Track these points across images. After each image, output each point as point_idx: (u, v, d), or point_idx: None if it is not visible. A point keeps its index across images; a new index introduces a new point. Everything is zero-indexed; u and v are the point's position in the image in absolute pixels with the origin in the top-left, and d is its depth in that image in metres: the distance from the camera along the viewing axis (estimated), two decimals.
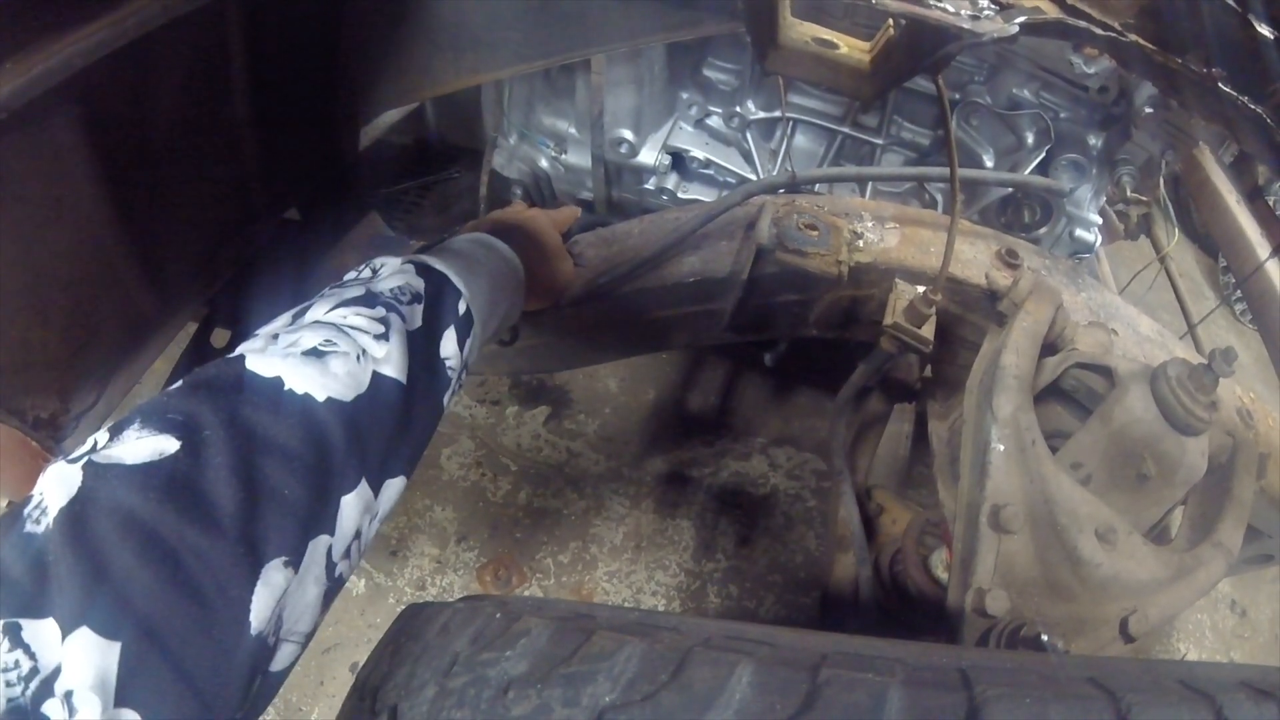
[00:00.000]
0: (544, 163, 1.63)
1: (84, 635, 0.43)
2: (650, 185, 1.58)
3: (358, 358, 0.61)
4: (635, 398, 2.23)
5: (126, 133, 1.01)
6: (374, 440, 0.61)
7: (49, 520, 0.46)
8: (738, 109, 1.46)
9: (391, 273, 0.72)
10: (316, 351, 0.60)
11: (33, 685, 0.42)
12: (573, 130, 1.56)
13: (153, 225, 1.14)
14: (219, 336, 1.57)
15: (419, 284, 0.71)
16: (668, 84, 1.46)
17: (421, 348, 0.67)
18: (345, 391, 0.59)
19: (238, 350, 0.60)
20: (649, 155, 1.51)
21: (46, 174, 0.94)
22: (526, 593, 1.92)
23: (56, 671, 0.42)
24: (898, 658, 0.56)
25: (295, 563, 0.54)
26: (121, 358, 1.20)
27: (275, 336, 0.62)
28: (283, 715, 1.72)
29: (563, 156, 1.60)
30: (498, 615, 0.77)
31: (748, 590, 1.94)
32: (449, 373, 0.71)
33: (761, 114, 1.46)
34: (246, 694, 0.51)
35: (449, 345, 0.71)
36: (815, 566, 1.96)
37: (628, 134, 1.47)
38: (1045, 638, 0.83)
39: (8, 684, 0.41)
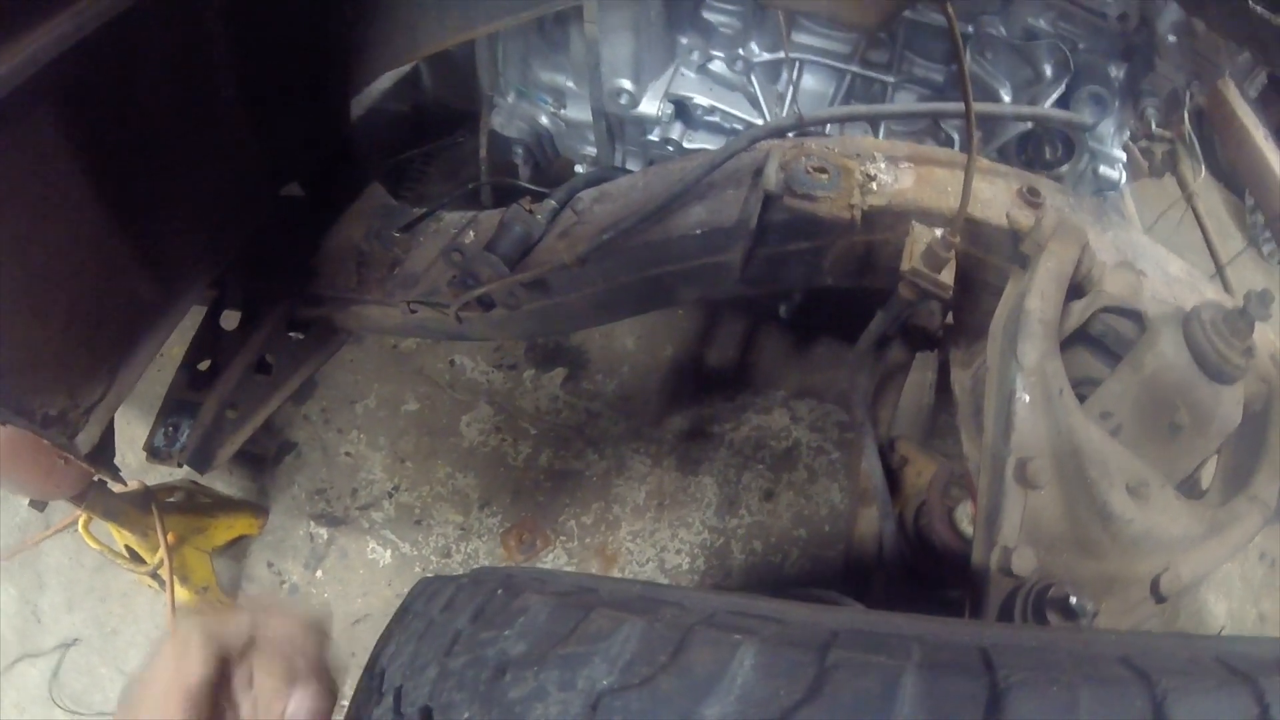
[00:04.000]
0: (544, 120, 1.58)
1: None
2: (654, 136, 1.52)
3: None
4: (653, 355, 2.20)
5: (111, 123, 0.99)
6: None
7: None
8: (741, 52, 1.40)
9: None
10: None
11: None
12: (571, 84, 1.51)
13: (148, 213, 1.12)
14: (228, 318, 1.57)
15: None
16: (666, 29, 1.40)
17: None
18: None
19: None
20: (651, 105, 1.45)
21: (33, 172, 0.92)
22: (551, 555, 1.92)
23: None
24: (915, 635, 0.53)
25: None
26: (127, 348, 1.19)
27: None
28: None
29: (562, 112, 1.55)
30: (500, 591, 0.75)
31: (772, 545, 1.92)
32: None
33: (766, 56, 1.39)
34: None
35: None
36: (840, 520, 1.94)
37: (627, 84, 1.41)
38: (1074, 599, 0.80)
39: None
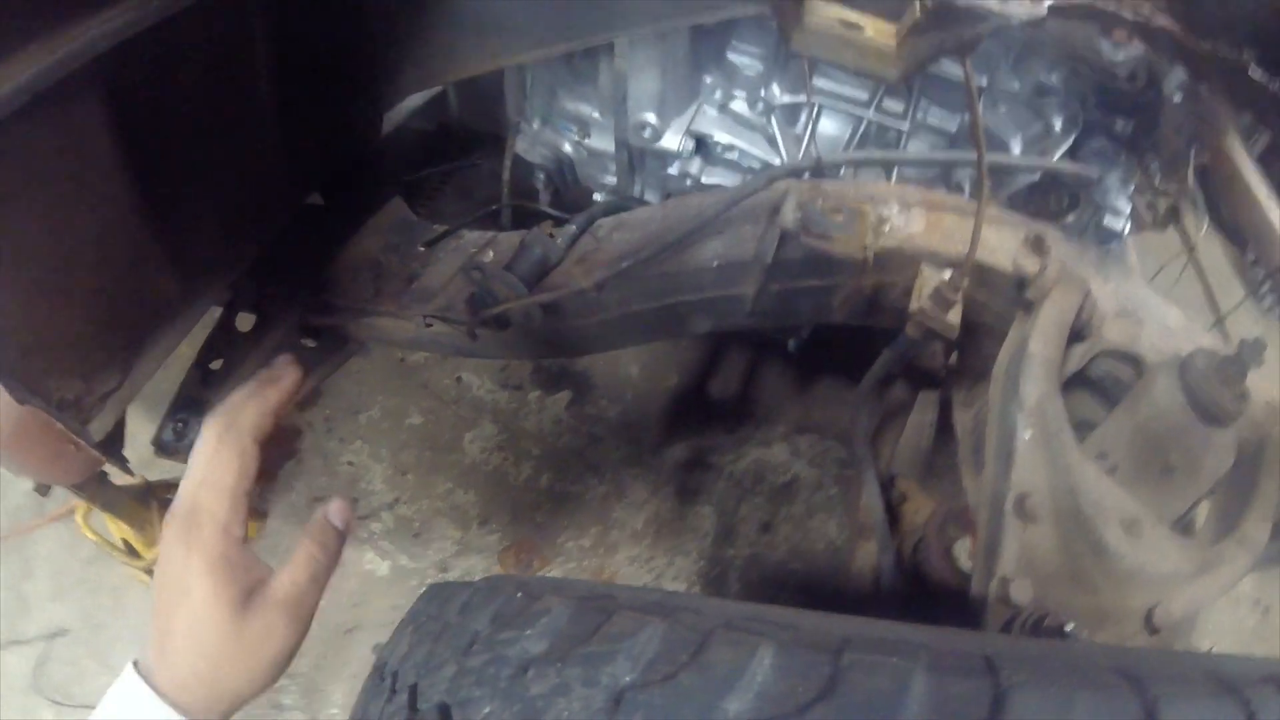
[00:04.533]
0: (567, 148, 1.62)
1: None
2: (674, 170, 1.56)
3: None
4: (657, 383, 2.23)
5: (149, 116, 1.01)
6: None
7: None
8: (762, 93, 1.45)
9: None
10: None
11: None
12: (596, 115, 1.55)
13: (176, 210, 1.15)
14: (243, 321, 1.59)
15: None
16: (691, 68, 1.45)
17: None
18: None
19: None
20: (672, 140, 1.50)
21: (71, 156, 0.95)
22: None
23: None
24: (922, 642, 0.56)
25: None
26: (145, 341, 1.22)
27: None
28: (306, 696, 1.75)
29: (586, 141, 1.59)
30: (518, 594, 0.77)
31: (769, 577, 1.94)
32: None
33: (787, 98, 1.44)
34: None
35: None
36: (837, 555, 1.96)
37: (651, 118, 1.46)
38: (1069, 628, 0.83)
39: None
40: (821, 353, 2.02)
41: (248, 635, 0.79)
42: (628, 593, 0.73)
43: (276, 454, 0.87)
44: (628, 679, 0.57)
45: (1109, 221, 1.31)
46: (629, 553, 1.95)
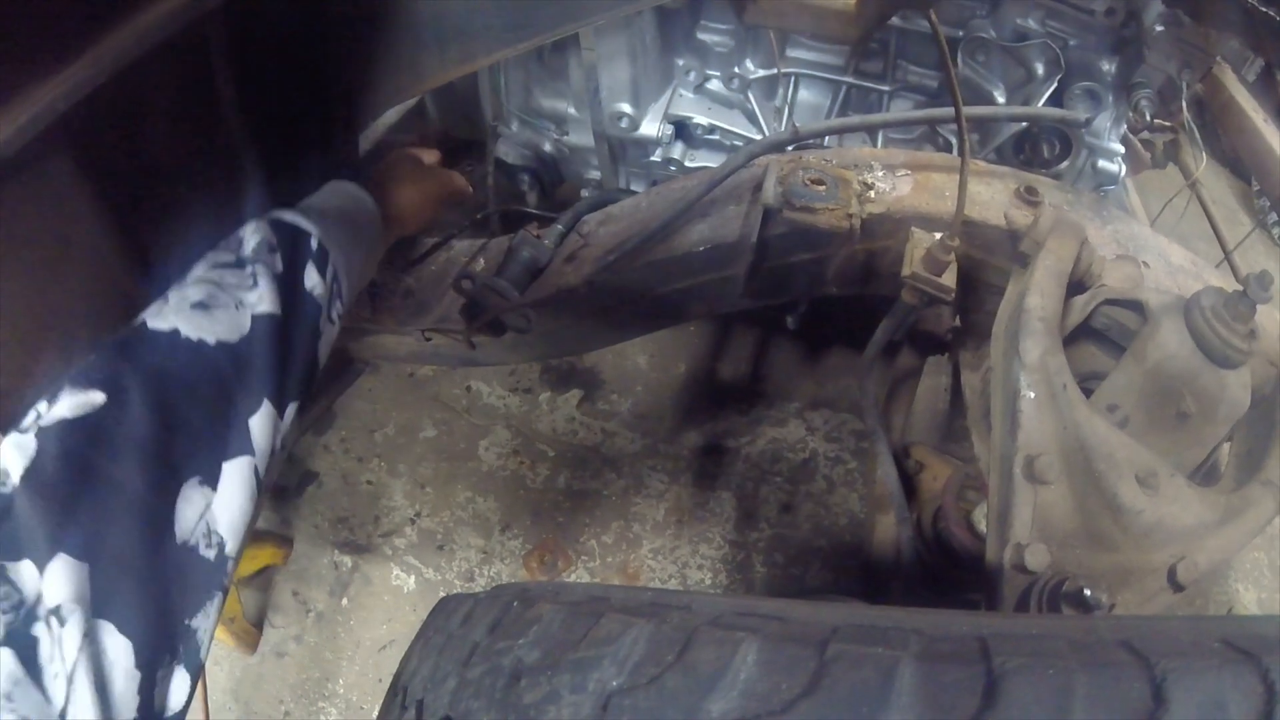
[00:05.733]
0: (548, 146, 1.61)
1: (59, 562, 0.55)
2: (656, 157, 1.54)
3: (236, 306, 0.76)
4: (666, 373, 2.22)
5: (123, 167, 1.02)
6: (264, 368, 0.75)
7: (14, 480, 0.58)
8: (736, 70, 1.42)
9: (252, 233, 0.85)
10: (202, 304, 0.74)
11: (21, 612, 0.54)
12: (572, 110, 1.53)
13: (164, 251, 1.15)
14: None
15: (273, 237, 0.85)
16: (662, 52, 1.42)
17: (287, 285, 0.82)
18: (230, 334, 0.74)
19: (140, 317, 0.73)
20: (651, 127, 1.48)
21: (51, 217, 0.95)
22: (573, 575, 1.92)
23: (38, 599, 0.55)
24: (915, 628, 0.54)
25: (212, 481, 0.67)
26: None
27: (167, 298, 0.76)
28: (343, 713, 1.76)
29: (565, 138, 1.57)
30: (515, 603, 0.76)
31: (793, 557, 1.92)
32: (317, 300, 0.86)
33: (761, 72, 1.41)
34: (193, 592, 0.63)
35: (311, 277, 0.86)
36: (860, 529, 1.93)
37: (626, 107, 1.44)
38: (1088, 592, 0.80)
39: (2, 611, 0.54)
40: (829, 326, 1.99)
41: (424, 180, 1.21)
42: (621, 594, 0.72)
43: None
44: (615, 683, 0.56)
45: (1103, 164, 1.27)
46: (652, 545, 1.94)
